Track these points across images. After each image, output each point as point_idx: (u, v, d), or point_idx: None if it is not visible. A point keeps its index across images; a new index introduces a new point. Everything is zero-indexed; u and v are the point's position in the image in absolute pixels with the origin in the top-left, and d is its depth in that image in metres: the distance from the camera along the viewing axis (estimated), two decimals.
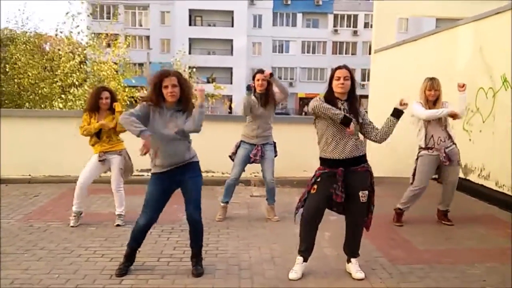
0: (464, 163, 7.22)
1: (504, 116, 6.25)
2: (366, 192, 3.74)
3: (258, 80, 5.29)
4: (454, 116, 5.11)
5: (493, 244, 4.73)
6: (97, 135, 5.05)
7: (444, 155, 5.15)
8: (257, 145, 5.34)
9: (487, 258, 4.26)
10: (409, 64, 9.18)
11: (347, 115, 3.64)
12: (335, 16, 48.43)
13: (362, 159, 3.79)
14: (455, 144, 5.26)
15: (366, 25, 45.70)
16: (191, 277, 3.75)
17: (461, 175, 7.23)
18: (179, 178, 3.78)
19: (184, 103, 3.73)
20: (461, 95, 5.13)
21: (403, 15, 13.88)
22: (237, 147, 5.44)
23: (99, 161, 5.08)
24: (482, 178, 6.80)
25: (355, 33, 47.71)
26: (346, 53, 47.97)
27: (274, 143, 5.51)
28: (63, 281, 3.63)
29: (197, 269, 3.81)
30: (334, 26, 48.41)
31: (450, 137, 5.21)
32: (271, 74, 5.23)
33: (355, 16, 48.08)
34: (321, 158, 3.82)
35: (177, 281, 3.69)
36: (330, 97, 3.74)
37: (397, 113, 3.74)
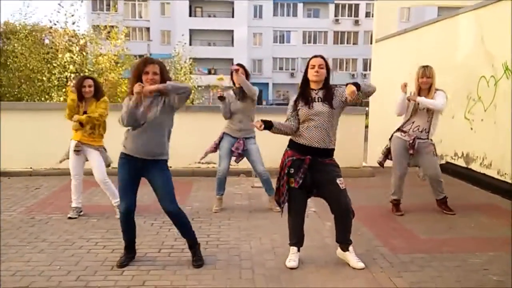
0: (466, 152, 7.22)
1: (506, 105, 6.22)
2: (342, 179, 3.76)
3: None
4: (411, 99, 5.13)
5: (494, 233, 4.72)
6: (81, 122, 5.02)
7: (410, 142, 5.13)
8: (240, 138, 5.34)
9: (488, 247, 4.25)
10: (410, 53, 9.13)
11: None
12: (336, 6, 48.09)
13: (331, 152, 3.81)
14: (431, 139, 5.21)
15: (367, 14, 45.36)
16: (192, 268, 3.76)
17: (463, 164, 7.24)
18: (145, 169, 3.74)
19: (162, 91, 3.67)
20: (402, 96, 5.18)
21: (405, 4, 13.79)
22: (220, 139, 5.42)
23: (75, 151, 5.07)
24: (484, 167, 6.79)
25: (356, 22, 47.40)
26: (347, 43, 47.74)
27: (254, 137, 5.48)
28: (64, 273, 3.64)
29: (197, 260, 3.81)
30: (335, 15, 48.09)
31: (428, 130, 5.17)
32: (237, 70, 5.22)
33: (356, 6, 47.73)
34: (291, 141, 3.84)
35: (178, 272, 3.69)
36: (304, 87, 3.79)
37: (357, 89, 3.63)
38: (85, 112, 5.02)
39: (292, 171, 3.72)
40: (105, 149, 5.19)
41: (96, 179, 5.10)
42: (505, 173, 6.26)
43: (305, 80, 3.79)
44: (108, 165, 5.17)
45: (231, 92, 5.42)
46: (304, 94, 3.77)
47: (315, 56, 3.77)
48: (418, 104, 5.08)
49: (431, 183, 5.36)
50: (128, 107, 3.57)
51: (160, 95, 3.68)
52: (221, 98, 5.30)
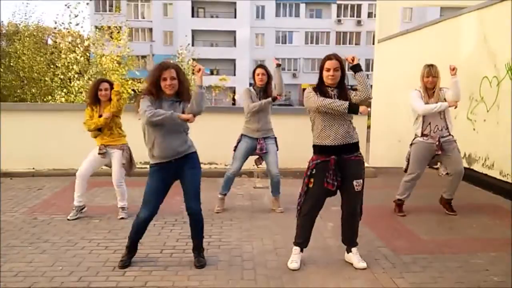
0: (468, 152, 7.20)
1: (509, 105, 6.21)
2: (360, 181, 3.73)
3: (258, 74, 5.33)
4: (452, 105, 5.09)
5: (496, 233, 4.72)
6: (98, 128, 5.06)
7: (437, 143, 5.11)
8: (259, 139, 5.34)
9: (490, 248, 4.25)
10: (413, 54, 9.12)
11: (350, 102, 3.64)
12: (339, 6, 48.06)
13: (355, 147, 3.78)
14: (452, 135, 5.21)
15: (369, 14, 45.34)
16: (193, 268, 3.76)
17: (465, 164, 7.21)
18: (177, 170, 3.77)
19: (182, 95, 3.73)
20: (453, 79, 5.06)
21: (407, 4, 13.77)
22: (238, 141, 5.44)
23: (99, 153, 5.09)
24: (486, 168, 6.77)
25: (358, 23, 47.37)
26: (349, 43, 47.68)
27: (275, 138, 5.50)
28: (66, 273, 3.65)
29: (200, 260, 3.82)
30: (338, 16, 48.07)
31: (447, 127, 5.17)
32: (279, 65, 5.31)
33: (359, 6, 47.68)
34: (314, 146, 3.82)
35: (180, 272, 3.70)
36: (321, 87, 3.76)
37: (354, 69, 3.68)
38: (100, 116, 5.04)
39: (314, 172, 3.71)
40: (127, 148, 5.20)
41: (113, 179, 5.15)
42: (507, 174, 6.25)
43: (321, 79, 3.77)
44: (133, 166, 5.20)
45: (252, 89, 5.41)
46: (322, 91, 3.74)
47: (330, 59, 3.70)
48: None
49: (453, 180, 5.26)
50: (167, 118, 3.57)
51: (178, 101, 3.71)
52: (275, 99, 5.29)
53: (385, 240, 4.48)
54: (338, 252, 4.10)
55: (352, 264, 3.83)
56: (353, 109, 3.62)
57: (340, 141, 3.68)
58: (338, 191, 3.81)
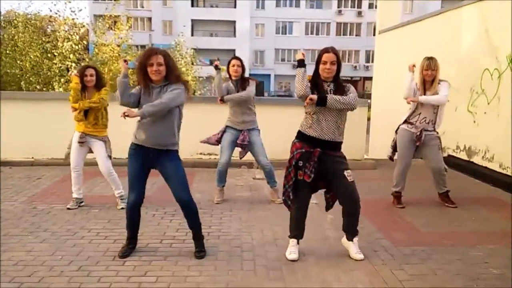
0: (468, 145, 7.20)
1: (509, 98, 6.19)
2: (350, 171, 3.74)
3: (233, 65, 5.28)
4: (408, 101, 5.15)
5: (496, 226, 4.72)
6: (84, 114, 5.02)
7: (417, 134, 5.14)
8: (243, 130, 5.33)
9: (489, 240, 4.26)
10: (413, 45, 9.08)
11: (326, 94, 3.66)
12: None
13: (338, 146, 3.79)
14: (437, 131, 5.23)
15: (370, 5, 45.10)
16: (193, 258, 3.77)
17: (465, 157, 7.22)
18: (155, 160, 3.73)
19: (171, 79, 3.68)
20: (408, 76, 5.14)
21: None
22: (223, 132, 5.42)
23: (79, 142, 5.06)
24: (486, 160, 6.77)
25: (359, 14, 47.12)
26: (350, 35, 47.49)
27: (259, 130, 5.48)
28: (66, 263, 3.66)
29: (200, 250, 3.83)
30: (338, 7, 47.81)
31: (435, 122, 5.18)
32: (222, 100, 5.30)
33: None
34: (301, 133, 3.80)
35: (180, 262, 3.71)
36: (316, 79, 3.76)
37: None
38: None
39: (301, 164, 3.69)
40: (108, 139, 5.19)
41: (101, 171, 5.12)
42: (507, 167, 6.25)
43: (317, 72, 3.75)
44: (109, 157, 5.15)
45: (230, 83, 5.39)
46: (317, 85, 3.73)
47: (327, 51, 3.70)
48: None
49: (433, 176, 5.35)
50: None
51: (168, 84, 3.67)
52: (216, 67, 5.27)
53: (384, 232, 4.49)
54: (337, 243, 4.11)
55: (349, 254, 3.84)
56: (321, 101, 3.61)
57: (328, 136, 3.69)
58: (332, 191, 3.84)
